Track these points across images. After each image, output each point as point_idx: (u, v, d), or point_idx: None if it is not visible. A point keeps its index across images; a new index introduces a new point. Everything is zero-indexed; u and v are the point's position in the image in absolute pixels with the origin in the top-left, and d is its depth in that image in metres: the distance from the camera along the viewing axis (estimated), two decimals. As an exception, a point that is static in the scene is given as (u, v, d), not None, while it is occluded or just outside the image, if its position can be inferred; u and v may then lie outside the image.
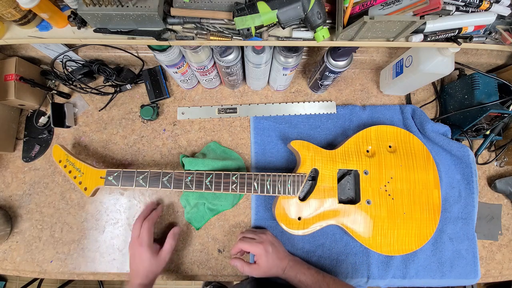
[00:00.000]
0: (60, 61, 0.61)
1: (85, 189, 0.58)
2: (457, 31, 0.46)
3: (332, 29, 0.47)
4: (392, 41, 0.48)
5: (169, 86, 0.72)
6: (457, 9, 0.45)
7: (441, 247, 0.63)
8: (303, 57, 0.69)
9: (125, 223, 0.65)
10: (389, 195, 0.58)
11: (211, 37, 0.46)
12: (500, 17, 0.47)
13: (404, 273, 0.62)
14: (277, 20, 0.42)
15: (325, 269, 0.61)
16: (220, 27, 0.46)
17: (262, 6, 0.40)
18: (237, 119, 0.70)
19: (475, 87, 0.61)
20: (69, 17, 0.46)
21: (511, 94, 0.60)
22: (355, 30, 0.43)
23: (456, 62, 0.62)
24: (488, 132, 0.67)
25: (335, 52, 0.55)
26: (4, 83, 0.62)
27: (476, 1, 0.44)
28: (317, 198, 0.57)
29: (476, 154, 0.69)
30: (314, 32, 0.45)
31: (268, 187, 0.56)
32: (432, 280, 0.62)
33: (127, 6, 0.42)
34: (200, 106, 0.70)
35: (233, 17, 0.41)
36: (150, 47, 0.52)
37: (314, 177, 0.59)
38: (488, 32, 0.50)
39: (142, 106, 0.69)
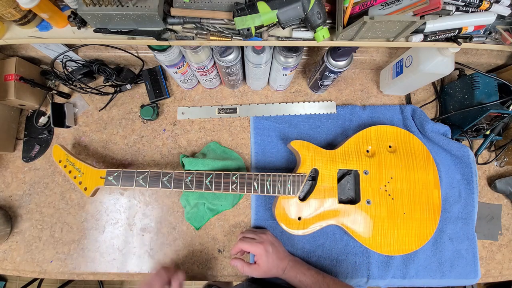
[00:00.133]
0: (60, 61, 0.61)
1: (85, 189, 0.58)
2: (457, 31, 0.46)
3: (332, 29, 0.47)
4: (392, 41, 0.48)
5: (169, 86, 0.72)
6: (457, 9, 0.45)
7: (441, 247, 0.63)
8: (303, 57, 0.69)
9: (125, 223, 0.65)
10: (389, 195, 0.58)
11: (211, 37, 0.46)
12: (500, 17, 0.47)
13: (404, 273, 0.62)
14: (277, 20, 0.42)
15: (325, 269, 0.61)
16: (220, 27, 0.46)
17: (262, 6, 0.40)
18: (237, 119, 0.70)
19: (475, 87, 0.61)
20: (69, 17, 0.46)
21: (511, 94, 0.60)
22: (355, 30, 0.43)
23: (456, 62, 0.62)
24: (488, 132, 0.67)
25: (335, 52, 0.55)
26: (4, 83, 0.62)
27: (476, 1, 0.44)
28: (317, 198, 0.57)
29: (476, 154, 0.69)
30: (314, 32, 0.45)
31: (268, 187, 0.56)
32: (432, 280, 0.62)
33: (127, 6, 0.42)
34: (200, 106, 0.70)
35: (233, 17, 0.41)
36: (150, 47, 0.52)
37: (314, 177, 0.59)
38: (488, 32, 0.50)
39: (142, 106, 0.69)
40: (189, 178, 0.56)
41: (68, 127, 0.69)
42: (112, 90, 0.70)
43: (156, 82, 0.70)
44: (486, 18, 0.44)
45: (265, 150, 0.67)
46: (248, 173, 0.57)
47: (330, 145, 0.68)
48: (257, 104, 0.70)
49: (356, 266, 0.62)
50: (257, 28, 0.43)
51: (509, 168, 0.70)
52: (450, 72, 0.56)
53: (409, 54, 0.61)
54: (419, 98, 0.74)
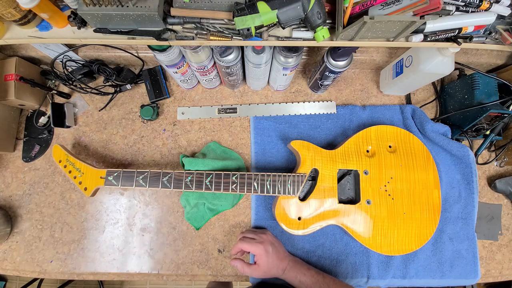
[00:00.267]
0: (60, 61, 0.61)
1: (85, 189, 0.58)
2: (457, 31, 0.46)
3: (332, 29, 0.47)
4: (392, 41, 0.48)
5: (169, 86, 0.72)
6: (457, 9, 0.45)
7: (441, 247, 0.63)
8: (303, 57, 0.69)
9: (125, 223, 0.65)
10: (389, 195, 0.58)
11: (211, 37, 0.46)
12: (500, 17, 0.47)
13: (404, 273, 0.62)
14: (277, 20, 0.42)
15: (325, 269, 0.61)
16: (220, 27, 0.46)
17: (262, 6, 0.40)
18: (237, 119, 0.70)
19: (475, 87, 0.61)
20: (69, 17, 0.46)
21: (511, 94, 0.60)
22: (355, 30, 0.43)
23: (456, 62, 0.62)
24: (488, 132, 0.67)
25: (335, 52, 0.55)
26: (4, 83, 0.62)
27: (476, 1, 0.44)
28: (317, 198, 0.57)
29: (476, 154, 0.69)
30: (314, 32, 0.45)
31: (268, 187, 0.56)
32: (432, 280, 0.62)
33: (127, 6, 0.42)
34: (200, 106, 0.70)
35: (233, 17, 0.41)
36: (150, 47, 0.52)
37: (314, 177, 0.59)
38: (488, 32, 0.50)
39: (142, 106, 0.69)
40: (189, 178, 0.56)
41: (68, 127, 0.69)
42: (112, 90, 0.70)
43: (156, 82, 0.70)
44: (486, 18, 0.44)
45: (265, 150, 0.67)
46: (248, 173, 0.57)
47: (330, 145, 0.68)
48: (257, 104, 0.70)
49: (356, 266, 0.62)
50: (257, 28, 0.43)
51: (509, 168, 0.70)
52: (450, 72, 0.56)
53: (409, 54, 0.61)
54: (419, 98, 0.74)
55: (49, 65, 0.62)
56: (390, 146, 0.62)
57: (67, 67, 0.64)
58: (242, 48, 0.57)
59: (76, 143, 0.69)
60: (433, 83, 0.74)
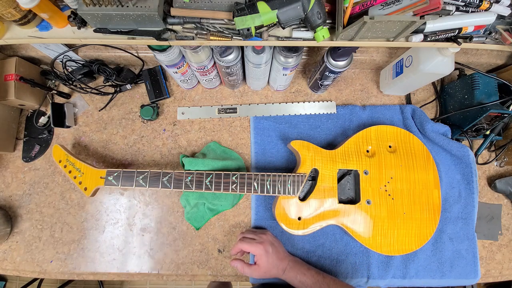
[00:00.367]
0: (60, 61, 0.61)
1: (85, 189, 0.58)
2: (457, 31, 0.46)
3: (332, 29, 0.47)
4: (392, 41, 0.48)
5: (169, 86, 0.72)
6: (457, 9, 0.45)
7: (441, 247, 0.63)
8: (303, 57, 0.69)
9: (125, 223, 0.65)
10: (389, 195, 0.58)
11: (211, 37, 0.46)
12: (500, 17, 0.47)
13: (404, 273, 0.62)
14: (277, 20, 0.42)
15: (325, 269, 0.61)
16: (220, 27, 0.46)
17: (262, 6, 0.40)
18: (237, 119, 0.70)
19: (475, 87, 0.61)
20: (69, 17, 0.46)
21: (511, 94, 0.60)
22: (355, 30, 0.43)
23: (456, 62, 0.62)
24: (488, 132, 0.67)
25: (335, 52, 0.55)
26: (4, 83, 0.62)
27: (476, 1, 0.44)
28: (317, 198, 0.57)
29: (476, 154, 0.69)
30: (314, 32, 0.45)
31: (268, 187, 0.56)
32: (432, 280, 0.62)
33: (127, 6, 0.42)
34: (200, 106, 0.70)
35: (233, 17, 0.41)
36: (150, 47, 0.52)
37: (314, 177, 0.59)
38: (488, 32, 0.50)
39: (142, 106, 0.69)
40: (189, 178, 0.56)
41: (68, 127, 0.69)
42: (112, 90, 0.70)
43: (156, 82, 0.70)
44: (486, 18, 0.44)
45: (265, 150, 0.67)
46: (248, 173, 0.57)
47: (330, 145, 0.68)
48: (257, 104, 0.70)
49: (356, 266, 0.62)
50: (257, 28, 0.43)
51: (509, 168, 0.70)
52: (450, 72, 0.56)
53: (409, 54, 0.61)
54: (419, 98, 0.74)
55: (49, 65, 0.62)
56: (390, 146, 0.62)
57: (67, 67, 0.64)
58: (242, 48, 0.57)
59: (76, 143, 0.69)
60: (433, 83, 0.74)
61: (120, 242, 0.64)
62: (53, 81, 0.71)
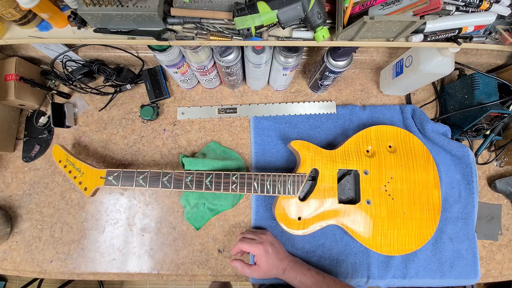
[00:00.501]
0: (60, 61, 0.61)
1: (85, 189, 0.58)
2: (457, 31, 0.46)
3: (332, 29, 0.47)
4: (392, 41, 0.48)
5: (169, 86, 0.72)
6: (457, 9, 0.45)
7: (441, 247, 0.63)
8: (303, 57, 0.69)
9: (125, 223, 0.65)
10: (389, 195, 0.58)
11: (211, 37, 0.46)
12: (500, 17, 0.47)
13: (404, 273, 0.62)
14: (277, 20, 0.42)
15: (325, 269, 0.61)
16: (220, 27, 0.46)
17: (262, 6, 0.40)
18: (237, 119, 0.70)
19: (475, 87, 0.61)
20: (69, 17, 0.46)
21: (511, 94, 0.60)
22: (355, 30, 0.43)
23: (456, 62, 0.62)
24: (488, 132, 0.67)
25: (335, 52, 0.55)
26: (4, 83, 0.62)
27: (476, 1, 0.44)
28: (317, 198, 0.57)
29: (476, 154, 0.69)
30: (314, 32, 0.45)
31: (268, 187, 0.56)
32: (432, 280, 0.62)
33: (127, 6, 0.42)
34: (200, 106, 0.70)
35: (233, 17, 0.41)
36: (150, 47, 0.52)
37: (314, 177, 0.59)
38: (488, 32, 0.50)
39: (142, 106, 0.69)
40: (189, 178, 0.56)
41: (68, 127, 0.69)
42: (112, 90, 0.70)
43: (156, 82, 0.70)
44: (486, 18, 0.44)
45: (265, 150, 0.67)
46: (248, 173, 0.57)
47: (330, 145, 0.68)
48: (257, 104, 0.70)
49: (356, 266, 0.62)
50: (257, 28, 0.43)
51: (509, 168, 0.70)
52: (450, 72, 0.56)
53: (409, 54, 0.61)
54: (419, 98, 0.74)
55: (49, 65, 0.62)
56: (390, 146, 0.62)
57: (67, 67, 0.64)
58: (242, 48, 0.57)
59: (76, 143, 0.69)
60: (433, 83, 0.74)
61: (120, 242, 0.64)
62: (53, 81, 0.71)
